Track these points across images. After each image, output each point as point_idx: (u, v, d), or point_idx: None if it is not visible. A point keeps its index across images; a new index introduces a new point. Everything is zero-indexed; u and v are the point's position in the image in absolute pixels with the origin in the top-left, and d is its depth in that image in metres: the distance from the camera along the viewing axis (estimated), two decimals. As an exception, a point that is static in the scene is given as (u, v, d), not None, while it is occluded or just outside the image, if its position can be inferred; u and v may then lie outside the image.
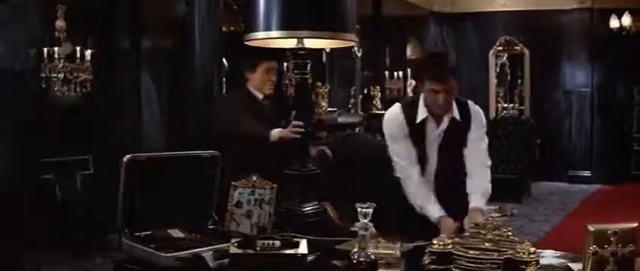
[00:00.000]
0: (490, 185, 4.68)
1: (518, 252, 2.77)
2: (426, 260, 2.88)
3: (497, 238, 2.90)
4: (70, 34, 8.38)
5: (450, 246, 2.86)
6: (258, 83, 6.52)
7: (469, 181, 4.67)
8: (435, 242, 2.89)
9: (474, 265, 2.83)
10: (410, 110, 4.77)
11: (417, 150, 4.76)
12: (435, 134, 4.73)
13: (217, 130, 6.63)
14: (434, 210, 4.59)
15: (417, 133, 4.75)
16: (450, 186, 4.73)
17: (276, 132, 6.14)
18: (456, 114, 4.70)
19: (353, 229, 3.01)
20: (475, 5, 17.24)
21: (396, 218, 4.50)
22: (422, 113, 4.70)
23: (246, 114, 6.35)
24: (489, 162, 4.80)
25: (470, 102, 4.85)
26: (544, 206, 13.23)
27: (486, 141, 4.81)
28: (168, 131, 9.91)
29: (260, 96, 6.57)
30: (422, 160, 4.77)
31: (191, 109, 9.54)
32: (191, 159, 4.05)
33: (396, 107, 4.88)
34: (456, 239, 2.93)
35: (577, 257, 3.24)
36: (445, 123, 4.70)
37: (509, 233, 2.90)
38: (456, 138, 4.72)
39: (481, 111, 4.86)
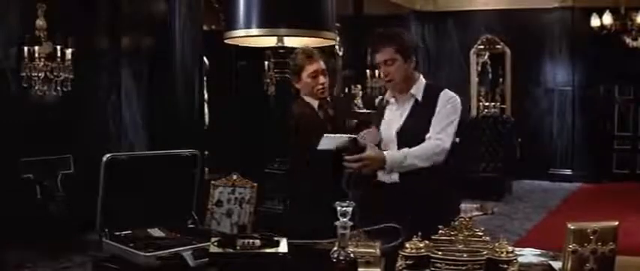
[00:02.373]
0: (418, 161, 4.33)
1: (497, 252, 2.76)
2: (400, 264, 2.86)
3: (469, 239, 2.90)
4: (51, 34, 8.36)
5: (423, 250, 2.84)
6: (308, 90, 5.31)
7: None
8: (407, 246, 2.86)
9: (448, 267, 2.81)
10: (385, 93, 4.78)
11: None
12: (395, 114, 4.60)
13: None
14: None
15: (380, 115, 4.70)
16: (412, 183, 4.40)
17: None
18: (419, 94, 4.54)
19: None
20: (457, 4, 17.29)
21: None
22: (389, 94, 4.69)
23: (305, 128, 5.12)
24: (440, 145, 4.39)
25: (445, 90, 4.58)
26: (525, 205, 13.27)
27: (449, 124, 4.46)
28: (149, 130, 9.90)
29: (315, 103, 5.32)
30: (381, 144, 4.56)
31: (172, 108, 9.52)
32: (171, 158, 4.03)
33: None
34: (428, 242, 2.90)
35: (557, 255, 3.25)
36: (406, 102, 4.57)
37: (481, 233, 2.90)
38: (417, 123, 4.49)
39: (454, 98, 4.54)
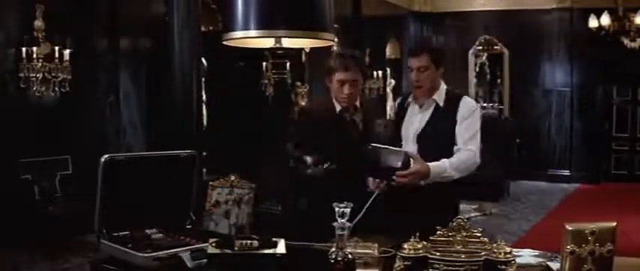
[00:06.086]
0: (455, 173, 4.62)
1: (495, 252, 2.76)
2: (398, 265, 2.86)
3: (467, 239, 2.90)
4: (49, 34, 8.35)
5: (421, 251, 2.84)
6: (334, 93, 5.18)
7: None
8: (405, 247, 2.87)
9: (446, 268, 2.81)
10: (408, 94, 5.00)
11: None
12: (416, 116, 4.81)
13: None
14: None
15: (400, 115, 4.90)
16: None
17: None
18: (440, 100, 4.79)
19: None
20: (455, 5, 17.28)
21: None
22: (411, 97, 4.91)
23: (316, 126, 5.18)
24: (472, 157, 4.72)
25: (464, 98, 4.92)
26: (523, 206, 13.28)
27: (475, 133, 4.81)
28: (147, 130, 9.89)
29: (338, 107, 5.21)
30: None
31: (170, 109, 9.50)
32: (169, 159, 4.03)
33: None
34: (426, 243, 2.91)
35: (555, 256, 3.25)
36: (428, 106, 4.81)
37: (479, 234, 2.90)
38: (437, 127, 4.74)
39: (475, 108, 4.91)
